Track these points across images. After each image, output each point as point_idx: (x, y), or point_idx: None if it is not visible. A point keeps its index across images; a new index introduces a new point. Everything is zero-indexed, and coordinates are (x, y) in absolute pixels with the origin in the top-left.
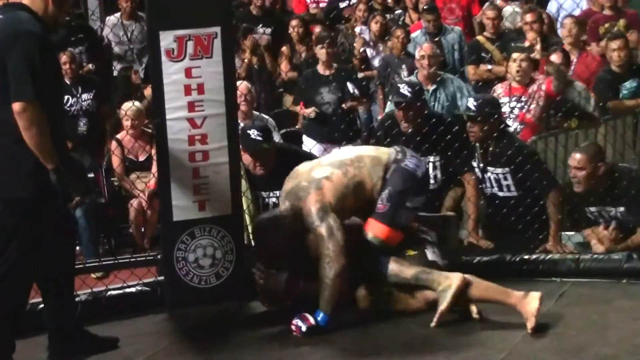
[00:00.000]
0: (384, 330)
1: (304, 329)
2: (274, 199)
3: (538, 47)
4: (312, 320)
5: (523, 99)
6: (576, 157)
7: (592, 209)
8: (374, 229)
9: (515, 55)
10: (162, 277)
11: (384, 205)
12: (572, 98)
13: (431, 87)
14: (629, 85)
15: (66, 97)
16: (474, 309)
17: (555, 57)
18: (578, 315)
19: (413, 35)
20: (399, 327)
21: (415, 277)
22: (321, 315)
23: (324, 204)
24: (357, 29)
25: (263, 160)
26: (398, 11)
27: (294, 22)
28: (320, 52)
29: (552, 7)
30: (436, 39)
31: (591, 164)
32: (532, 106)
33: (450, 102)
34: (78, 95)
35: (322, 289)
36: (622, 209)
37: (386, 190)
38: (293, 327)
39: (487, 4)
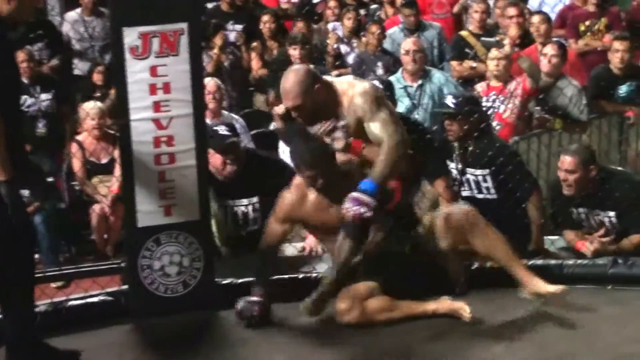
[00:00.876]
0: (359, 340)
1: (362, 210)
2: (242, 208)
3: (507, 41)
4: (369, 199)
5: (501, 97)
6: (567, 160)
7: (580, 209)
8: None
9: (493, 53)
10: (126, 286)
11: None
12: (555, 97)
13: (416, 83)
14: (625, 88)
15: (24, 97)
16: (466, 308)
17: (550, 49)
18: (562, 323)
19: (390, 31)
20: (376, 337)
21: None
22: (370, 184)
23: (381, 94)
24: (330, 25)
25: (234, 155)
26: (373, 6)
27: (265, 18)
28: (293, 53)
29: (533, 2)
30: (415, 35)
31: (583, 167)
32: (510, 105)
33: (436, 97)
34: (36, 95)
35: (380, 158)
36: (611, 213)
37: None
38: (360, 211)
39: None
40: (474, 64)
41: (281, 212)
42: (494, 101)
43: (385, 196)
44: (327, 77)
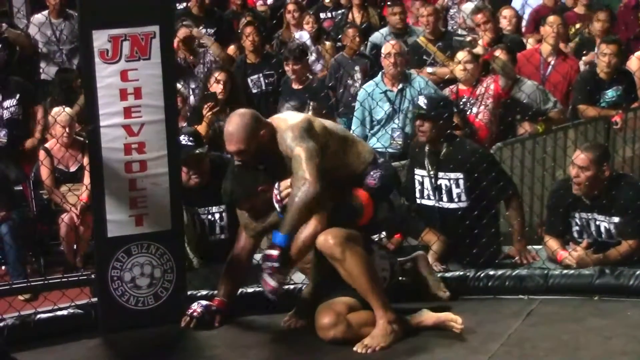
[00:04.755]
0: (337, 354)
1: (277, 265)
2: (210, 216)
3: (480, 42)
4: (274, 252)
5: (472, 100)
6: (581, 157)
7: (583, 214)
8: (358, 193)
9: (459, 56)
10: (96, 299)
11: (374, 179)
12: (521, 99)
13: (397, 88)
14: (610, 94)
15: None
16: (457, 319)
17: (499, 56)
18: (547, 335)
19: (373, 37)
20: (355, 351)
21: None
22: (279, 236)
23: (310, 128)
24: (297, 35)
25: (197, 167)
26: (341, 11)
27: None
28: (288, 69)
29: (516, 4)
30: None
31: (596, 166)
32: (481, 108)
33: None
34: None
35: (288, 208)
36: (616, 219)
37: (378, 172)
38: (268, 266)
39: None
40: (430, 70)
41: (243, 214)
42: (464, 104)
43: (354, 211)
44: (269, 118)
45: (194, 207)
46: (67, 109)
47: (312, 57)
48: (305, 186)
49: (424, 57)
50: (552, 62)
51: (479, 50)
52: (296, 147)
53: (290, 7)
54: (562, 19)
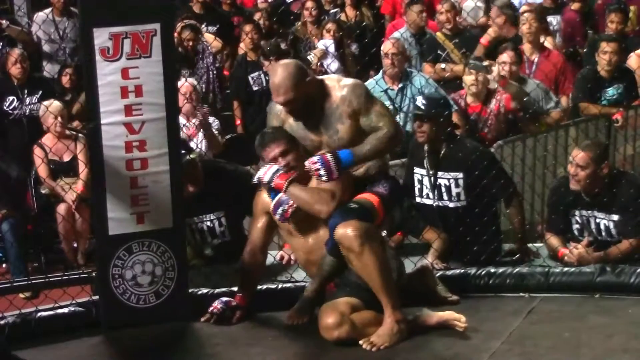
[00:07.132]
0: (339, 352)
1: (321, 172)
2: (207, 223)
3: (495, 73)
4: (332, 163)
5: (482, 118)
6: (580, 155)
7: (583, 212)
8: (369, 197)
9: (470, 76)
10: (97, 297)
11: (385, 190)
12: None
13: (397, 86)
14: (611, 92)
15: (11, 98)
16: (460, 318)
17: (506, 57)
18: (548, 333)
19: (395, 34)
20: (356, 349)
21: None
22: (346, 153)
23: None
24: (322, 44)
25: (193, 175)
26: (333, 10)
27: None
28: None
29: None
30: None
31: (595, 164)
32: (494, 126)
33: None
34: (24, 98)
35: (370, 140)
36: (615, 217)
37: (388, 184)
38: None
39: None
40: (444, 66)
41: (256, 207)
42: (474, 121)
43: (369, 212)
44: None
45: (191, 217)
46: (56, 102)
47: (335, 65)
48: (388, 132)
49: (439, 53)
50: (536, 60)
51: (494, 77)
52: (371, 104)
53: (309, 4)
54: (537, 14)
